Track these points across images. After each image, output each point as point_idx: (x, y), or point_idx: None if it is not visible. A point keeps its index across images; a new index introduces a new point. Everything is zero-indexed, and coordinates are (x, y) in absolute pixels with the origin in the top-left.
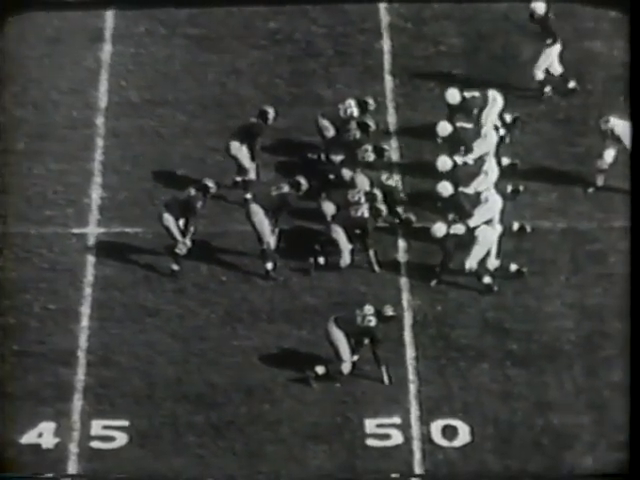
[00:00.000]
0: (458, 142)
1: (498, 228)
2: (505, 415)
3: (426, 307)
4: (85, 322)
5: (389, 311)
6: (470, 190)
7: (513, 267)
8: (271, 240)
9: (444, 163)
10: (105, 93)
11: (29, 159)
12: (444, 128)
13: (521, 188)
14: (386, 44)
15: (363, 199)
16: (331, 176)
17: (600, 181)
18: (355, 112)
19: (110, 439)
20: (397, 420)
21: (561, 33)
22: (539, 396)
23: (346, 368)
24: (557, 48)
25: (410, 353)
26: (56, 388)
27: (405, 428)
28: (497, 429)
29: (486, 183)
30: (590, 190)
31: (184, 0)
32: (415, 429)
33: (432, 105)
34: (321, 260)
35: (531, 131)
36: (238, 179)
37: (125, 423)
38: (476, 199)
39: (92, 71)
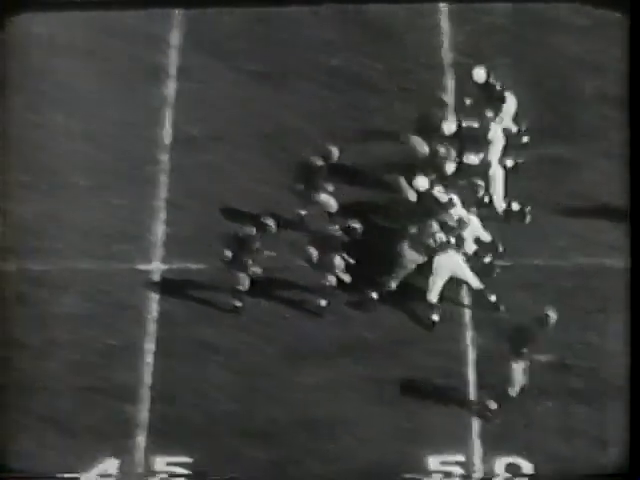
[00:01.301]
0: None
1: (456, 254)
2: (568, 452)
3: (490, 343)
4: (148, 358)
5: None
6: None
7: (492, 298)
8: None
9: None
10: (169, 129)
11: (93, 195)
12: (449, 127)
13: (527, 210)
14: (448, 80)
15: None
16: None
17: None
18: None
19: (173, 475)
20: (460, 457)
21: None
22: (602, 433)
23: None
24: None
25: (472, 390)
26: (119, 424)
27: (468, 466)
28: (560, 466)
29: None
30: None
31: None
32: (478, 466)
33: None
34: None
35: (590, 168)
36: (303, 213)
37: (188, 459)
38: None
39: (156, 107)
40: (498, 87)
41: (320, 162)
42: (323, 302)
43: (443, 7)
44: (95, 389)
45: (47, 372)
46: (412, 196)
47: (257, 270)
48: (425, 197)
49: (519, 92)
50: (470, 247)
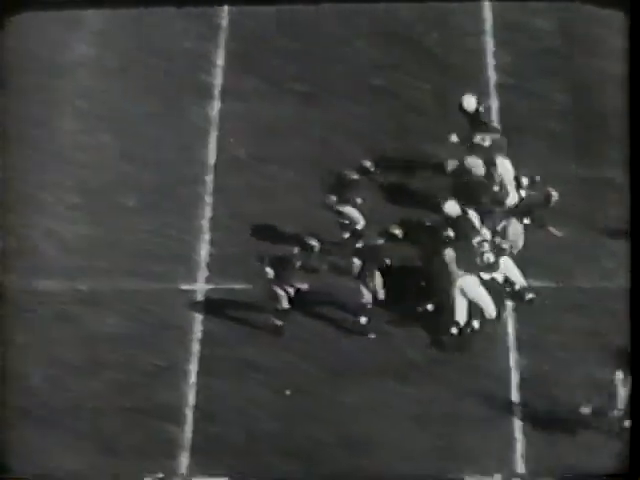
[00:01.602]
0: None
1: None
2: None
3: (533, 366)
4: (192, 378)
5: None
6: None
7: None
8: (373, 294)
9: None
10: (214, 150)
11: (139, 215)
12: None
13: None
14: (494, 101)
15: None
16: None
17: None
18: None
19: None
20: (498, 478)
21: None
22: None
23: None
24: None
25: (517, 412)
26: (163, 444)
27: None
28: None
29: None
30: None
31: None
32: None
33: (539, 162)
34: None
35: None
36: (346, 235)
37: None
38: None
39: (201, 128)
40: (487, 119)
41: (354, 175)
42: (363, 319)
43: (488, 27)
44: (139, 409)
45: (92, 392)
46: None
47: (302, 286)
48: (458, 221)
49: (564, 112)
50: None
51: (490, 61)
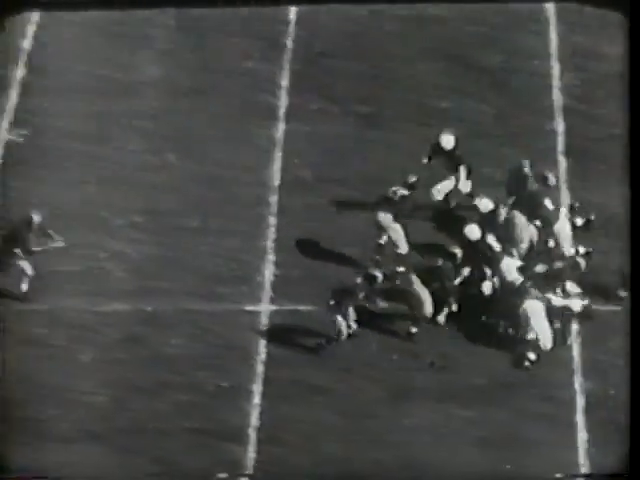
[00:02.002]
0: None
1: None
2: None
3: (599, 390)
4: (256, 400)
5: None
6: None
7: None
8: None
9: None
10: (278, 171)
11: (203, 236)
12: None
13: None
14: (559, 125)
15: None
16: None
17: None
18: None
19: None
20: None
21: None
22: None
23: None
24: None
25: (582, 436)
26: (226, 466)
27: None
28: None
29: None
30: None
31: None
32: None
33: (606, 187)
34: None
35: None
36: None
37: None
38: None
39: (265, 149)
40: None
41: (404, 192)
42: (414, 329)
43: (554, 50)
44: (202, 430)
45: (156, 412)
46: (465, 187)
47: (369, 308)
48: (477, 245)
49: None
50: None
51: (555, 84)
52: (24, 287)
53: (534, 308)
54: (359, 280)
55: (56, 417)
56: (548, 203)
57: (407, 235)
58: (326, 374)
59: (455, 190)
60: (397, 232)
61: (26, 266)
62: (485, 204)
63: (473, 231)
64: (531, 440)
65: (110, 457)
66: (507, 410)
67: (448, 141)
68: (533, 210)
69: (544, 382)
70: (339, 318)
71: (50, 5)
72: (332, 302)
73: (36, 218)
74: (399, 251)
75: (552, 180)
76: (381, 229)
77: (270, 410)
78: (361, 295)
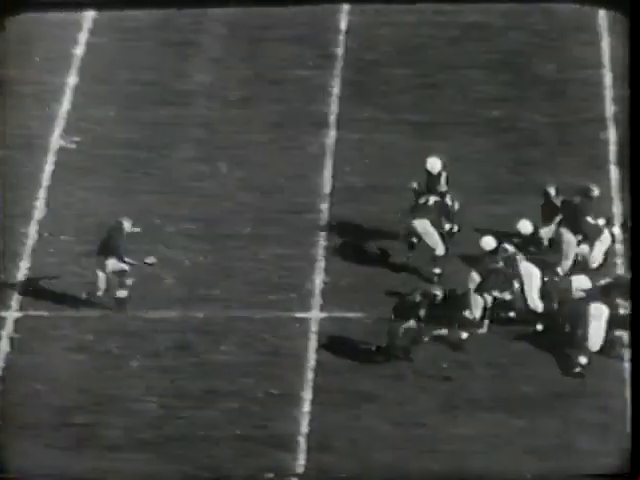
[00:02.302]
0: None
1: None
2: None
3: None
4: (306, 407)
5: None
6: None
7: None
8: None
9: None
10: (329, 178)
11: (254, 243)
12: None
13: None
14: (612, 134)
15: None
16: None
17: None
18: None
19: None
20: None
21: None
22: None
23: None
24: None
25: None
26: (276, 473)
27: None
28: None
29: None
30: None
31: None
32: None
33: None
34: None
35: None
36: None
37: None
38: None
39: (316, 156)
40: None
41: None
42: (464, 335)
43: (605, 60)
44: (252, 437)
45: (206, 420)
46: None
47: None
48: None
49: None
50: None
51: (608, 93)
52: (122, 293)
53: (598, 310)
54: (419, 298)
55: (104, 424)
56: (590, 218)
57: (445, 240)
58: (376, 382)
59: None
60: (433, 237)
61: (123, 273)
62: (525, 226)
63: (525, 225)
64: (582, 450)
65: (158, 464)
66: (558, 419)
67: (434, 165)
68: (576, 226)
69: (595, 391)
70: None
71: (50, 5)
72: (393, 318)
73: (127, 225)
74: (437, 253)
75: (595, 192)
76: (415, 235)
77: (320, 417)
78: (421, 312)
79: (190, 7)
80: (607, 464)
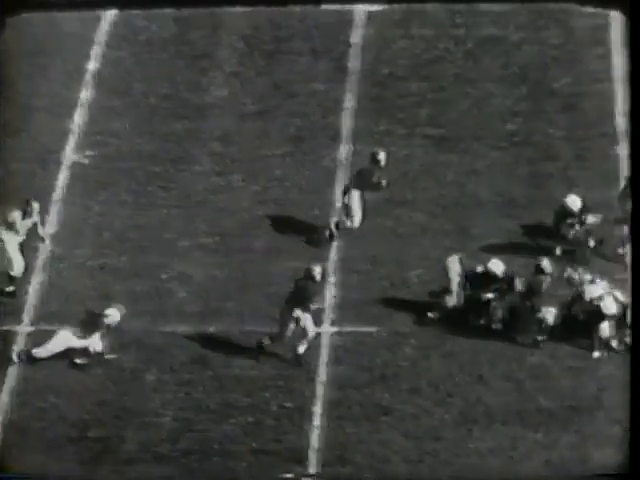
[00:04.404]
0: None
1: None
2: None
3: None
4: (319, 421)
5: None
6: None
7: None
8: None
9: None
10: (342, 192)
11: (268, 258)
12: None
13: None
14: (625, 149)
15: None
16: None
17: None
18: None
19: None
20: None
21: None
22: None
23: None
24: None
25: None
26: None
27: None
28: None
29: None
30: None
31: None
32: None
33: None
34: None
35: None
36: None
37: None
38: None
39: (332, 170)
40: None
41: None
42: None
43: (617, 74)
44: (268, 451)
45: (221, 433)
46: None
47: None
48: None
49: None
50: None
51: (620, 107)
52: (301, 349)
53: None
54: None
55: (121, 437)
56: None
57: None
58: (391, 395)
59: None
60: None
61: (308, 324)
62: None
63: (575, 201)
64: (599, 464)
65: (174, 478)
66: (575, 433)
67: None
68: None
69: (611, 405)
70: None
71: (50, 5)
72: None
73: (317, 271)
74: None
75: (596, 220)
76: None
77: (333, 431)
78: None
79: (203, 6)
80: (607, 464)
